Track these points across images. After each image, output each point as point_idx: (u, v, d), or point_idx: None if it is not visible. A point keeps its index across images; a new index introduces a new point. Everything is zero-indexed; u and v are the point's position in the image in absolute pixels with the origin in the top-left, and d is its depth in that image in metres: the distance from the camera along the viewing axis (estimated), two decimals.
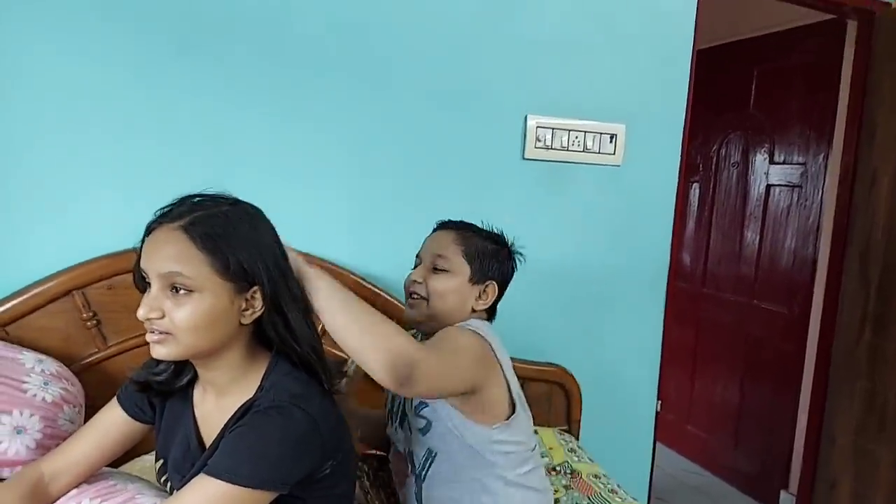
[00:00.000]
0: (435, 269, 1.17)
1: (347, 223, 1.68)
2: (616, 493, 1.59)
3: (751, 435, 2.82)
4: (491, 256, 1.20)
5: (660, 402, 2.20)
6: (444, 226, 1.25)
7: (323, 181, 1.64)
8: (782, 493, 2.64)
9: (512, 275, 1.26)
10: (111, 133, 1.42)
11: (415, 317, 1.19)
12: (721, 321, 2.94)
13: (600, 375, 2.02)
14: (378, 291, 1.66)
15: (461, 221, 1.25)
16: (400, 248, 1.73)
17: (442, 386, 1.03)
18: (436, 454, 1.16)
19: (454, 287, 1.17)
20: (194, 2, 1.46)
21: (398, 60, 1.66)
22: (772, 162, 2.71)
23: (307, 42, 1.57)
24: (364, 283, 1.65)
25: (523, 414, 1.20)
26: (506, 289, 1.25)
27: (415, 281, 1.18)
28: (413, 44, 1.67)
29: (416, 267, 1.22)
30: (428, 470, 1.17)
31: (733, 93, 2.87)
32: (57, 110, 1.38)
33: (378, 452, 1.43)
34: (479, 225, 1.26)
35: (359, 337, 0.93)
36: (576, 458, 1.73)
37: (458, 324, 1.16)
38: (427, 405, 1.16)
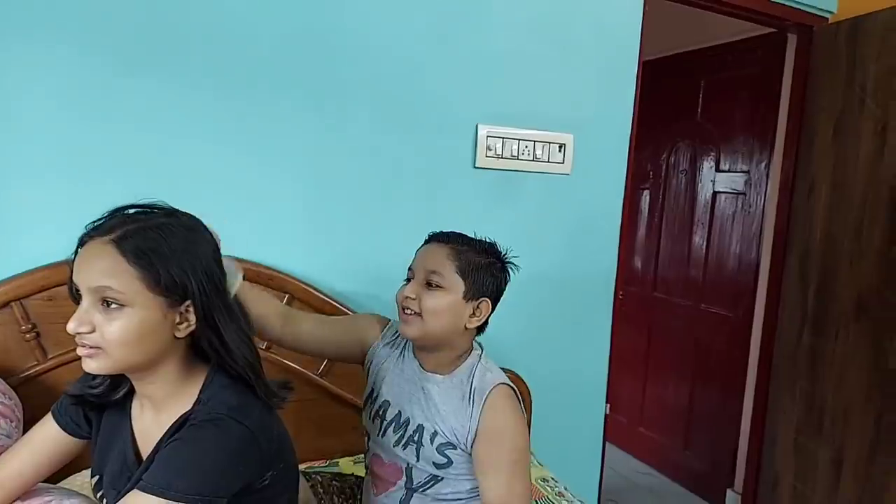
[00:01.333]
0: (429, 285, 1.14)
1: (301, 234, 1.68)
2: (563, 496, 1.63)
3: (699, 436, 2.90)
4: (485, 271, 1.16)
5: (608, 404, 2.25)
6: (437, 239, 1.20)
7: (276, 193, 1.63)
8: (728, 492, 2.73)
9: (505, 287, 1.23)
10: (52, 142, 1.40)
11: (410, 333, 1.16)
12: (671, 325, 3.02)
13: (550, 380, 2.06)
14: (329, 300, 1.67)
15: (454, 233, 1.20)
16: (353, 258, 1.75)
17: None
18: (442, 479, 1.17)
19: (448, 304, 1.13)
20: (143, 22, 1.44)
21: (350, 73, 1.67)
22: (718, 169, 2.79)
23: (254, 59, 1.56)
24: (317, 292, 1.65)
25: None
26: (498, 302, 1.22)
27: (408, 297, 1.14)
28: (364, 56, 1.68)
29: (407, 281, 1.18)
30: (429, 488, 1.18)
31: (682, 103, 2.95)
32: None
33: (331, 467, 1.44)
34: (472, 236, 1.22)
35: None
36: None
37: (490, 383, 1.14)
38: (454, 447, 1.16)
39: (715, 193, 2.81)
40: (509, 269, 1.22)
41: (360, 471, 1.57)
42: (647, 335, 3.14)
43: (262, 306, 1.20)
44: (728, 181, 2.75)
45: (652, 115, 2.64)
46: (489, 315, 1.20)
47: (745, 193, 2.68)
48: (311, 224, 1.69)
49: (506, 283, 1.22)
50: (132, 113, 1.46)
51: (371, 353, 1.29)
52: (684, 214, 2.95)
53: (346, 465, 1.64)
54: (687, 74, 2.91)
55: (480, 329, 1.22)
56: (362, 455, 1.69)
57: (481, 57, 1.83)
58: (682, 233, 2.96)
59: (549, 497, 1.62)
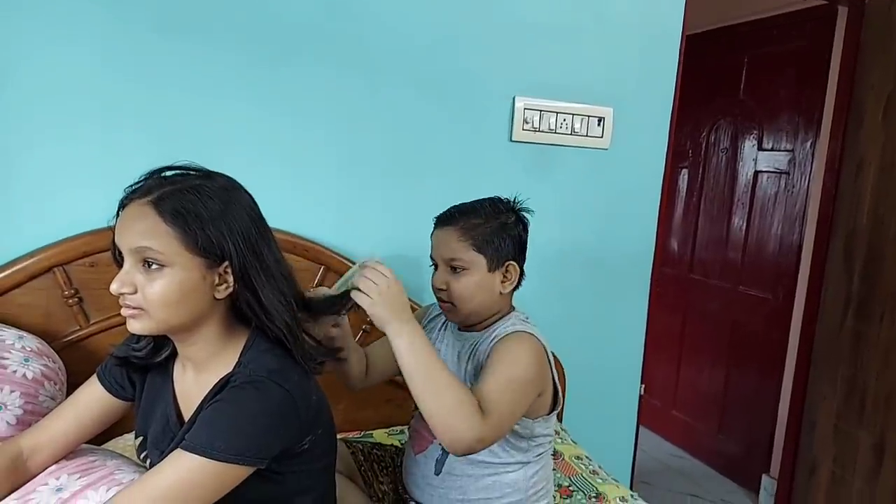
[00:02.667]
0: (453, 270, 1.15)
1: (335, 205, 1.67)
2: (597, 475, 1.61)
3: (734, 420, 2.86)
4: (500, 234, 1.15)
5: (643, 385, 2.22)
6: (443, 222, 1.19)
7: (310, 163, 1.63)
8: (764, 477, 2.68)
9: (526, 234, 1.22)
10: (91, 111, 1.40)
11: (453, 319, 1.21)
12: (707, 307, 2.96)
13: (585, 359, 2.03)
14: None
15: (456, 210, 1.19)
16: (387, 230, 1.74)
17: (505, 431, 1.09)
18: None
19: (476, 283, 1.14)
20: None
21: (385, 44, 1.65)
22: (760, 148, 2.71)
23: (292, 25, 1.54)
24: (350, 263, 1.65)
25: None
26: (526, 251, 1.22)
27: (439, 289, 1.17)
28: (400, 26, 1.65)
29: (434, 268, 1.20)
30: None
31: (724, 79, 2.86)
32: (36, 91, 1.35)
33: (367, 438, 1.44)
34: (474, 200, 1.21)
35: (428, 409, 1.00)
36: (559, 440, 1.74)
37: (511, 329, 1.14)
38: None
39: (757, 173, 2.73)
40: (524, 216, 1.22)
41: (395, 443, 1.58)
42: (683, 317, 3.09)
43: (355, 366, 1.23)
44: (771, 160, 2.67)
45: (692, 92, 2.57)
46: (521, 272, 1.20)
47: (788, 173, 2.60)
48: (344, 195, 1.68)
49: (526, 232, 1.22)
50: (169, 76, 1.46)
51: None
52: (724, 194, 2.88)
53: (381, 436, 1.65)
54: (730, 49, 2.82)
55: (516, 286, 1.22)
56: (397, 427, 1.71)
57: (519, 27, 1.79)
58: (722, 213, 2.89)
59: (583, 475, 1.60)
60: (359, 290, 1.02)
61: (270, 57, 1.54)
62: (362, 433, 1.67)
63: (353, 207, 1.69)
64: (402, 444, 1.57)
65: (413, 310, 1.37)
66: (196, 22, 1.46)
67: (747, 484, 2.78)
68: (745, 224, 2.78)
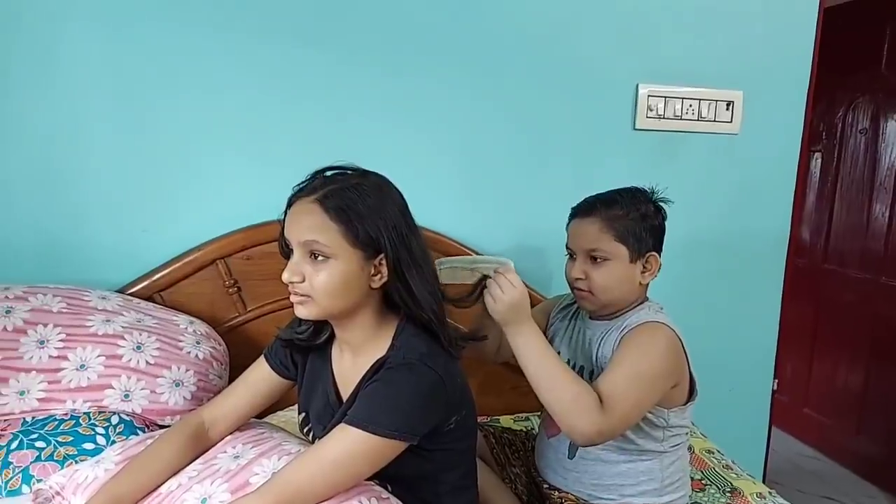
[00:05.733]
0: (594, 260, 1.16)
1: (460, 199, 1.72)
2: (731, 469, 1.57)
3: (876, 419, 2.65)
4: (641, 226, 1.15)
5: (776, 381, 2.12)
6: (583, 213, 1.18)
7: (433, 155, 1.68)
8: None
9: (664, 225, 1.21)
10: (242, 120, 1.54)
11: (590, 308, 1.21)
12: (844, 299, 2.76)
13: (714, 353, 1.96)
14: None
15: (596, 200, 1.19)
16: (507, 223, 1.77)
17: (629, 425, 1.10)
18: None
19: (618, 275, 1.15)
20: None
21: (505, 35, 1.67)
22: None
23: (416, 29, 1.61)
24: (476, 254, 1.69)
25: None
26: (663, 241, 1.21)
27: (577, 278, 1.17)
28: (519, 13, 1.67)
29: (569, 257, 1.21)
30: None
31: (863, 53, 2.65)
32: (199, 107, 1.51)
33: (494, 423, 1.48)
34: (611, 190, 1.21)
35: (547, 403, 1.06)
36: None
37: (644, 319, 1.14)
38: None
39: None
40: (662, 206, 1.21)
41: (523, 429, 1.61)
42: (815, 310, 2.90)
43: (489, 344, 1.27)
44: None
45: (827, 68, 2.40)
46: (660, 263, 1.19)
47: None
48: (468, 189, 1.73)
49: (664, 220, 1.21)
50: (308, 88, 1.57)
51: (548, 329, 1.35)
52: (863, 179, 2.67)
53: (508, 422, 1.69)
54: (870, 20, 2.61)
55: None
56: (522, 414, 1.75)
57: (641, 9, 1.75)
58: (861, 199, 2.68)
59: (716, 469, 1.56)
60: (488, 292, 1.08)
61: (398, 62, 1.61)
62: (489, 419, 1.71)
63: (478, 201, 1.74)
64: (529, 430, 1.60)
65: (537, 302, 1.40)
66: (331, 38, 1.56)
67: (891, 488, 2.58)
68: (888, 210, 2.57)
